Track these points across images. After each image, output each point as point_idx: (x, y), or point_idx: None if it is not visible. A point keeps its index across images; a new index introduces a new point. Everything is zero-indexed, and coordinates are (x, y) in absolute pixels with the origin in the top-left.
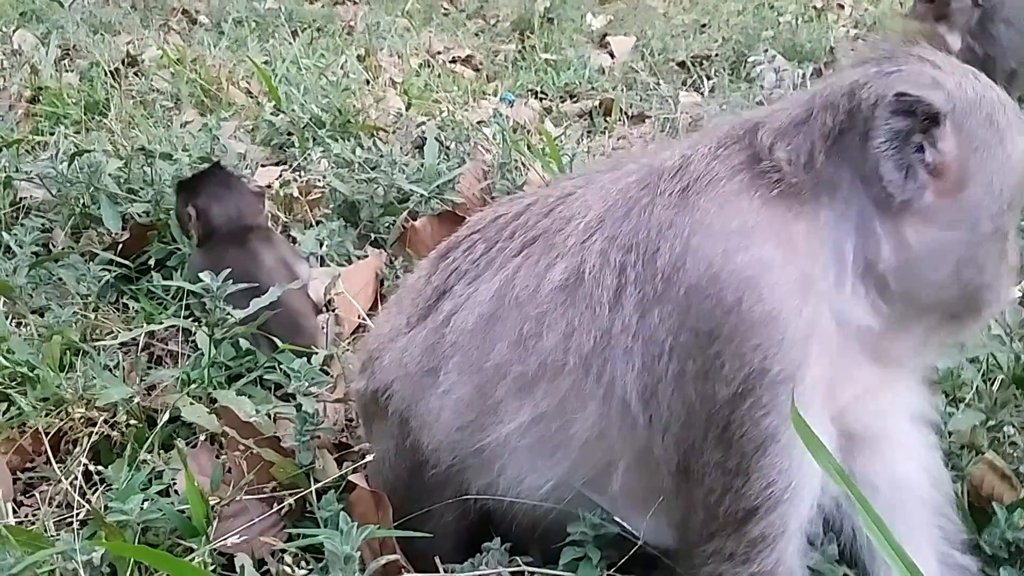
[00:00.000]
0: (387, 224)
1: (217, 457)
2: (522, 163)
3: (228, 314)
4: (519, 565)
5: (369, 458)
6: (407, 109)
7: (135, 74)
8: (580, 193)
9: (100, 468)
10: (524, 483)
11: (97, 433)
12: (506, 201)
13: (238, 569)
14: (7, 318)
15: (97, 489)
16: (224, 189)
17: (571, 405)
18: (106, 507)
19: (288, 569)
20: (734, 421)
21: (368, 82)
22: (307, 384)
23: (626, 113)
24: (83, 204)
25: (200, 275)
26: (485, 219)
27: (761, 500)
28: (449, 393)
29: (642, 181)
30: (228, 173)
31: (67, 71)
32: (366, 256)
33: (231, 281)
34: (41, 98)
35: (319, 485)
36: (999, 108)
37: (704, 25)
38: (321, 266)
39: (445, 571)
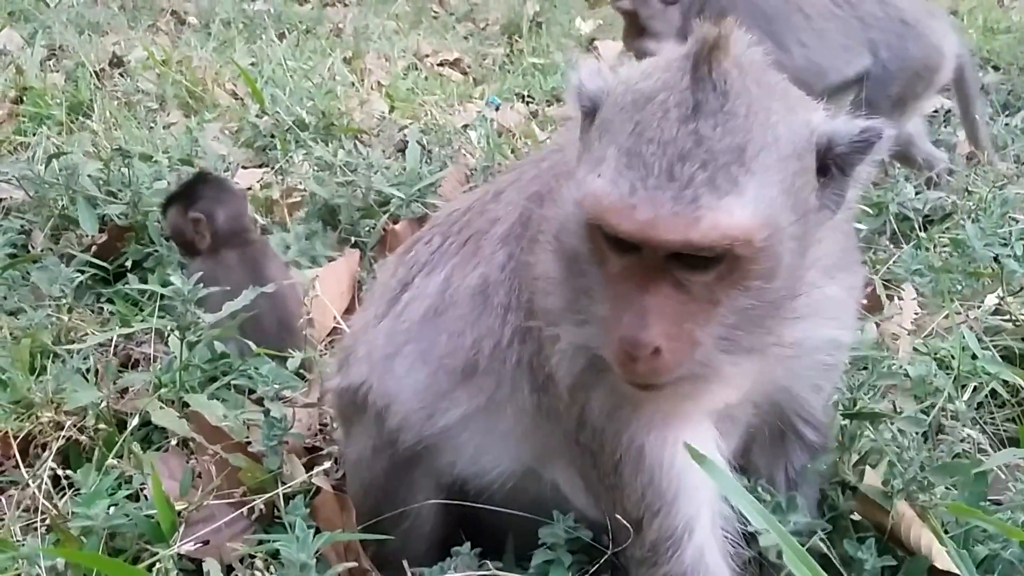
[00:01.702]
0: (367, 227)
1: (187, 462)
2: (506, 167)
3: (199, 318)
4: (488, 569)
5: (327, 465)
6: (390, 112)
7: (121, 75)
8: (507, 192)
9: (69, 472)
10: (480, 463)
11: (65, 437)
12: (462, 194)
13: (205, 575)
14: None
15: (65, 494)
16: (220, 192)
17: (494, 404)
18: (72, 512)
19: (257, 575)
20: (591, 447)
21: (354, 85)
22: (277, 388)
23: None
24: (62, 206)
25: (171, 278)
26: (444, 213)
27: (643, 509)
28: (405, 379)
29: (540, 190)
30: (218, 178)
31: (52, 71)
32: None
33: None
34: (25, 98)
35: (287, 489)
36: (634, 105)
37: None
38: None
39: (413, 575)
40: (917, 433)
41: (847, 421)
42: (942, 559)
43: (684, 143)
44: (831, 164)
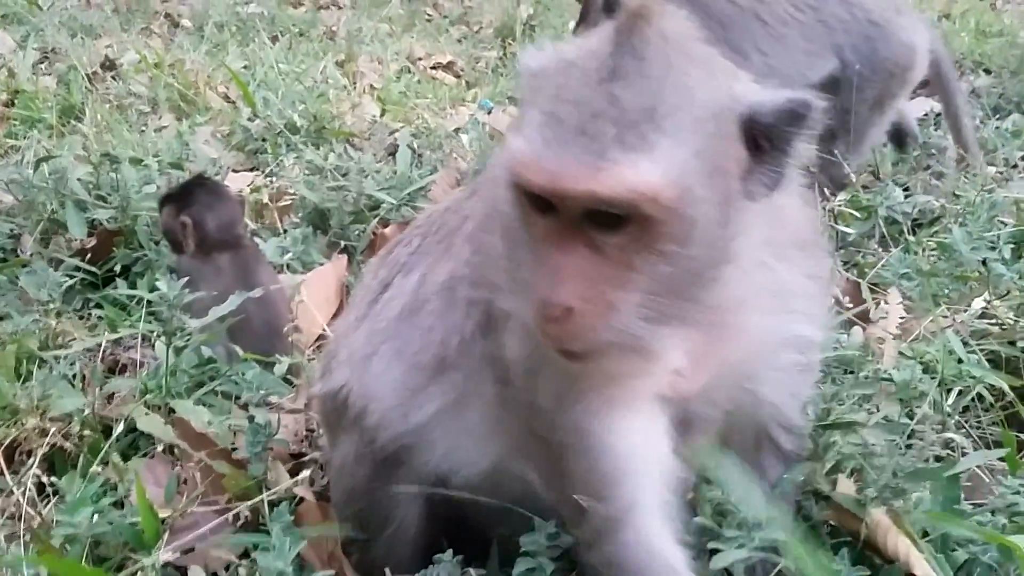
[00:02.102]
0: (357, 232)
1: (173, 468)
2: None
3: (186, 323)
4: None
5: (307, 472)
6: (382, 115)
7: (113, 78)
8: (482, 189)
9: (54, 479)
10: (453, 459)
11: (50, 444)
12: (449, 196)
13: None
14: None
15: (50, 501)
16: (214, 199)
17: (463, 399)
18: (56, 520)
19: None
20: (543, 433)
21: (346, 88)
22: (263, 394)
23: None
24: (51, 210)
25: (158, 283)
26: (425, 214)
27: (587, 492)
28: (382, 377)
29: None
30: (215, 183)
31: (44, 74)
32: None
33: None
34: (17, 101)
35: (271, 496)
36: (559, 71)
37: None
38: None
39: None
40: (891, 439)
41: (822, 431)
42: (920, 566)
43: (598, 103)
44: (760, 137)
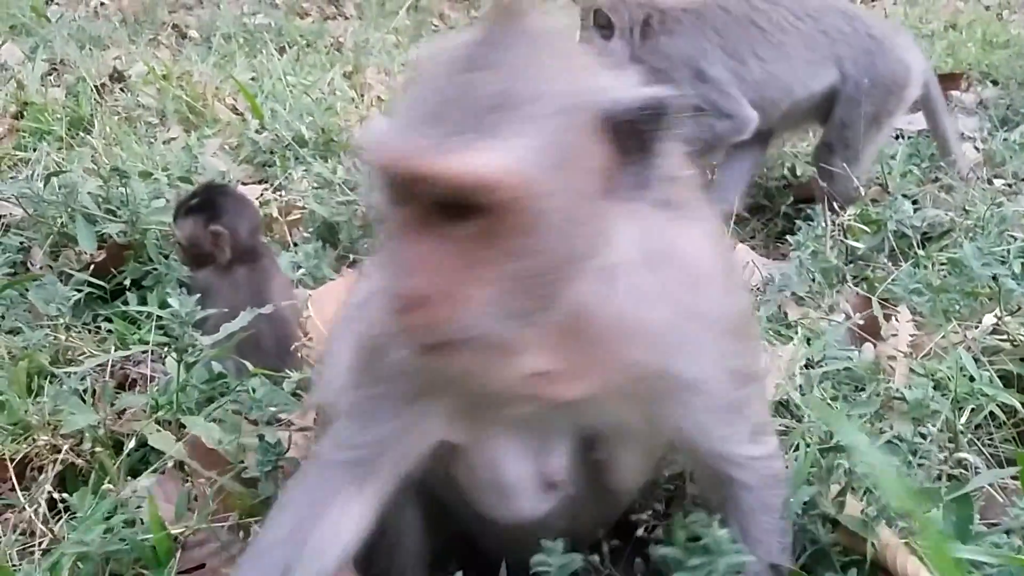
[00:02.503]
0: (366, 245)
1: (184, 483)
2: None
3: (197, 340)
4: None
5: None
6: None
7: (121, 89)
8: None
9: (66, 496)
10: None
11: (61, 460)
12: None
13: None
14: None
15: (61, 517)
16: (241, 206)
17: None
18: (67, 538)
19: None
20: None
21: (353, 100)
22: (272, 411)
23: None
24: (61, 223)
25: (169, 299)
26: None
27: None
28: (336, 360)
29: None
30: (234, 190)
31: (53, 86)
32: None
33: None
34: (26, 113)
35: None
36: (428, 64)
37: None
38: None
39: None
40: (900, 458)
41: (823, 455)
42: None
43: (452, 90)
44: (625, 135)
